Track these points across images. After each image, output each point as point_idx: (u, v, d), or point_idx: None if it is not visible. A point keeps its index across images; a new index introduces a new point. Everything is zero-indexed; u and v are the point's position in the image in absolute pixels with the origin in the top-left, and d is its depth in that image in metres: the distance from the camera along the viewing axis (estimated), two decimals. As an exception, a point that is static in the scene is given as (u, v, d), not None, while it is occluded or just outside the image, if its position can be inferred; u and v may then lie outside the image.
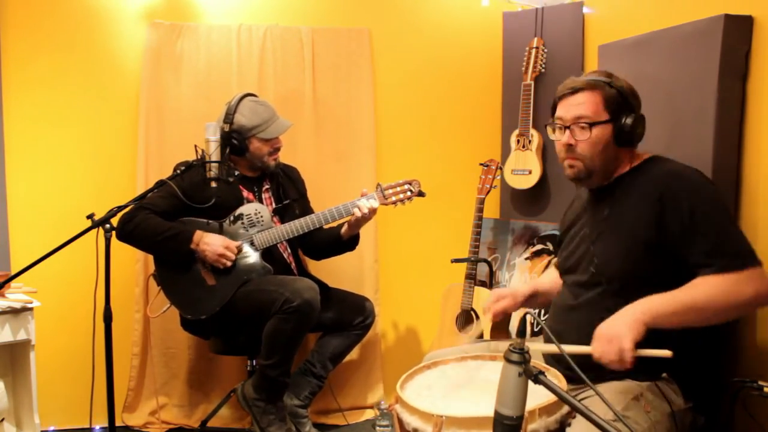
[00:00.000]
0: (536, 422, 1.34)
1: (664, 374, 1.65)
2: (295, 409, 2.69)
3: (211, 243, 2.53)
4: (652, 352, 1.44)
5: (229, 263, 2.54)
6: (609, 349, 1.45)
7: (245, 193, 2.70)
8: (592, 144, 1.69)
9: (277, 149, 2.69)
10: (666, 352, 1.43)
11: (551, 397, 1.36)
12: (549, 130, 1.81)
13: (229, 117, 2.59)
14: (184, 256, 2.54)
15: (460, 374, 1.67)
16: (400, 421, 1.48)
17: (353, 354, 3.02)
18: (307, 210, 2.83)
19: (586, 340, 1.61)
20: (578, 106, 1.70)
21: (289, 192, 2.80)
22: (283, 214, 2.75)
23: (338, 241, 2.72)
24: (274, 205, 2.76)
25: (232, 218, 2.62)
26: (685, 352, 1.68)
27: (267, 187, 2.77)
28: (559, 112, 1.75)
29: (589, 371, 1.15)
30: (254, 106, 2.63)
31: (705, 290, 1.52)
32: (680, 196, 1.60)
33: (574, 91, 1.71)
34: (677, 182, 1.63)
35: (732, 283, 1.51)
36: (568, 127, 1.71)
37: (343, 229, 2.69)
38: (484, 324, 2.70)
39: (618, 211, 1.71)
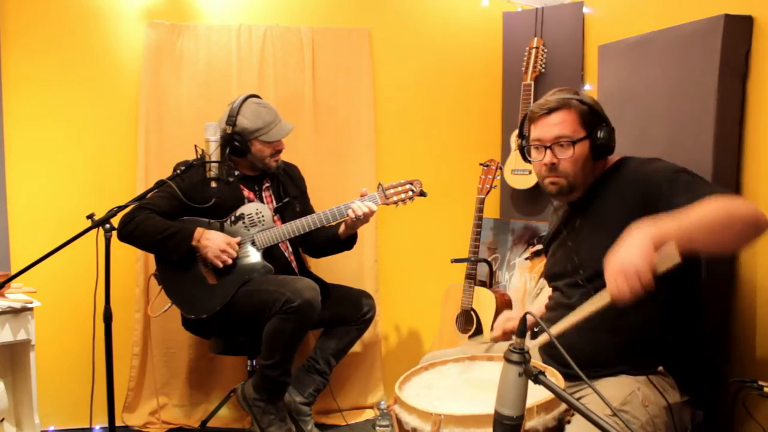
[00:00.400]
0: (534, 419, 1.34)
1: (660, 368, 1.66)
2: (298, 407, 2.69)
3: (212, 239, 2.53)
4: (665, 263, 1.39)
5: (230, 260, 2.54)
6: (627, 283, 1.38)
7: (246, 192, 2.70)
8: (575, 161, 1.73)
9: (279, 151, 2.70)
10: (675, 258, 1.38)
11: (549, 395, 1.36)
12: (525, 152, 1.84)
13: (231, 119, 2.58)
14: (185, 253, 2.54)
15: (459, 375, 1.67)
16: (399, 422, 1.48)
17: (353, 353, 3.02)
18: (307, 207, 2.84)
19: (585, 337, 1.62)
20: (557, 125, 1.73)
21: (289, 190, 2.80)
22: (283, 212, 2.75)
23: (335, 240, 2.72)
24: (274, 204, 2.76)
25: (233, 218, 2.62)
26: (679, 344, 1.69)
27: (267, 185, 2.77)
28: (536, 134, 1.77)
29: (585, 369, 1.15)
30: (257, 108, 2.63)
31: (709, 203, 1.47)
32: (657, 181, 1.63)
33: (550, 111, 1.74)
34: (647, 173, 1.67)
35: (730, 198, 1.49)
36: (549, 147, 1.73)
37: (341, 229, 2.69)
38: (486, 332, 2.70)
39: (596, 213, 1.74)
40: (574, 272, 1.75)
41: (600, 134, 1.72)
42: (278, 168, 2.73)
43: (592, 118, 1.74)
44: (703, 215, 1.44)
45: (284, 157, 2.78)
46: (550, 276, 1.91)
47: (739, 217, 1.46)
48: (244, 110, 2.60)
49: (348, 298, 2.80)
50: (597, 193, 1.77)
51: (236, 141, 2.57)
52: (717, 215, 1.44)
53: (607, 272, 1.42)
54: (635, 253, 1.38)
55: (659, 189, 1.61)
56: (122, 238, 2.54)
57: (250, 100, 2.64)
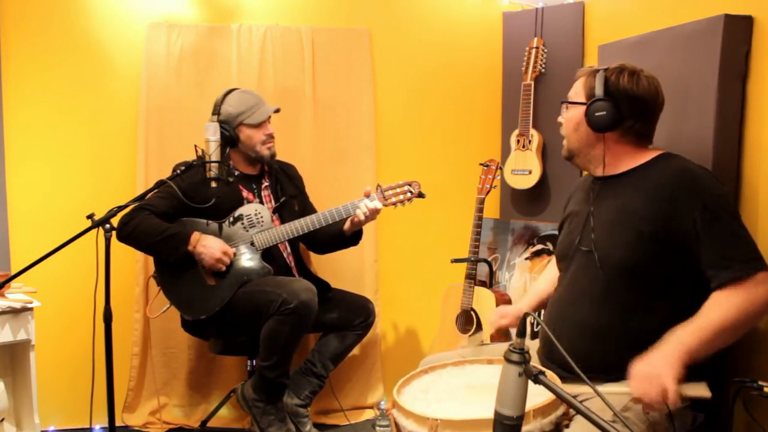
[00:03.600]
0: (531, 424, 1.33)
1: None
2: (295, 409, 2.69)
3: (208, 246, 2.53)
4: (693, 391, 1.46)
5: (224, 268, 2.55)
6: (650, 390, 1.43)
7: (245, 193, 2.70)
8: (567, 122, 1.81)
9: (270, 136, 2.69)
10: (706, 393, 1.47)
11: (546, 399, 1.36)
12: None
13: (216, 109, 2.63)
14: (181, 257, 2.54)
15: (457, 378, 1.66)
16: (397, 426, 1.48)
17: (354, 354, 3.02)
18: (306, 206, 2.84)
19: (581, 338, 1.61)
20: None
21: (287, 189, 2.80)
22: (282, 211, 2.75)
23: (341, 236, 2.72)
24: (273, 204, 2.76)
25: (231, 219, 2.62)
26: None
27: (266, 185, 2.77)
28: None
29: (585, 374, 1.15)
30: (240, 95, 2.67)
31: (724, 307, 1.53)
32: (691, 197, 1.60)
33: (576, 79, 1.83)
34: (688, 182, 1.62)
35: (746, 291, 1.53)
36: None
37: (346, 226, 2.68)
38: (486, 331, 2.70)
39: (624, 203, 1.70)
40: (588, 252, 1.72)
41: (595, 104, 1.70)
42: (272, 157, 2.73)
43: (599, 90, 1.70)
44: (728, 322, 1.52)
45: (284, 155, 2.78)
46: (560, 256, 1.88)
47: (753, 314, 1.56)
48: (228, 99, 2.65)
49: (349, 303, 2.80)
50: (631, 182, 1.72)
51: (224, 130, 2.58)
52: (737, 318, 1.53)
53: (632, 374, 1.48)
54: (664, 369, 1.44)
55: (690, 215, 1.59)
56: (121, 238, 2.54)
57: (234, 90, 2.69)
